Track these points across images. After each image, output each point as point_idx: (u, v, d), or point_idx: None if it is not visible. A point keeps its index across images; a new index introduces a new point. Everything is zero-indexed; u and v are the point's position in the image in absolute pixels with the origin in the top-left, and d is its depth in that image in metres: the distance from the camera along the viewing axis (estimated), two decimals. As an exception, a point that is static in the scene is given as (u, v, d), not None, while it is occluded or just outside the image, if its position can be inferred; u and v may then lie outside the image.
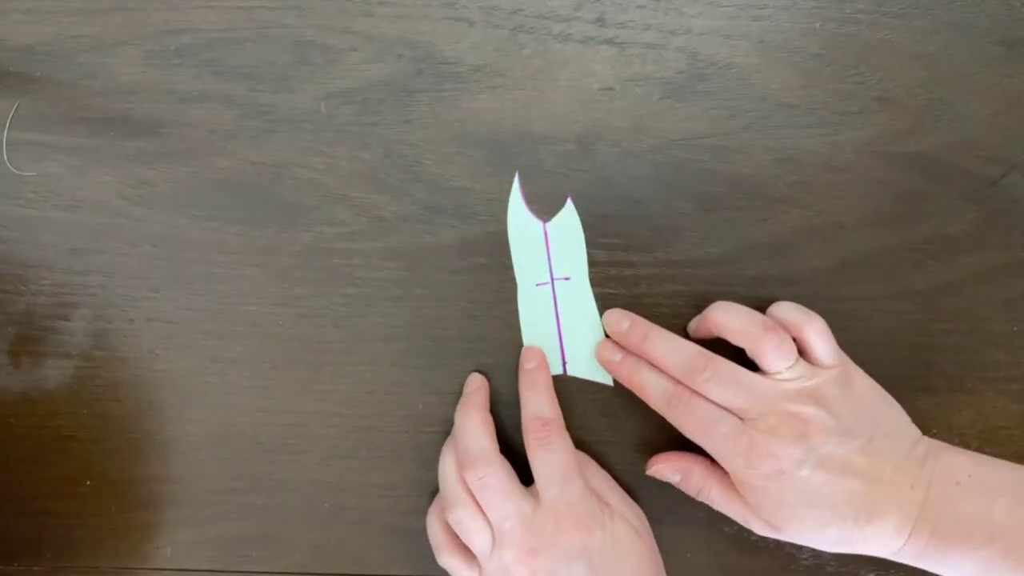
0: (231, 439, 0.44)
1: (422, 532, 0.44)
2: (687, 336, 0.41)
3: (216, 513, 0.45)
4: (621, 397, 0.43)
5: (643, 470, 0.42)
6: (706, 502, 0.41)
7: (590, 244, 0.42)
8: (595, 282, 0.42)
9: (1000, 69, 0.41)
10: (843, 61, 0.41)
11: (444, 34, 0.41)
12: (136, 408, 0.44)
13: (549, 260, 0.41)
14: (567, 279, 0.41)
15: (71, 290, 0.43)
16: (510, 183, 0.42)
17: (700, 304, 0.42)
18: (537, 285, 0.42)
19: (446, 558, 0.41)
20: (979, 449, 0.43)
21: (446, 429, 0.43)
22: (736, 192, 0.42)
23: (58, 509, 0.45)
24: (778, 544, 0.44)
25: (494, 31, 0.41)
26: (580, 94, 0.41)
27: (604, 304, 0.42)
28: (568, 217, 0.41)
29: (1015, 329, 0.42)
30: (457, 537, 0.40)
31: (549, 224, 0.41)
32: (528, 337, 0.42)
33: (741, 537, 0.43)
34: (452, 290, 0.43)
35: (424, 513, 0.44)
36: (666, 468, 0.41)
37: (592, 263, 0.42)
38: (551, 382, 0.42)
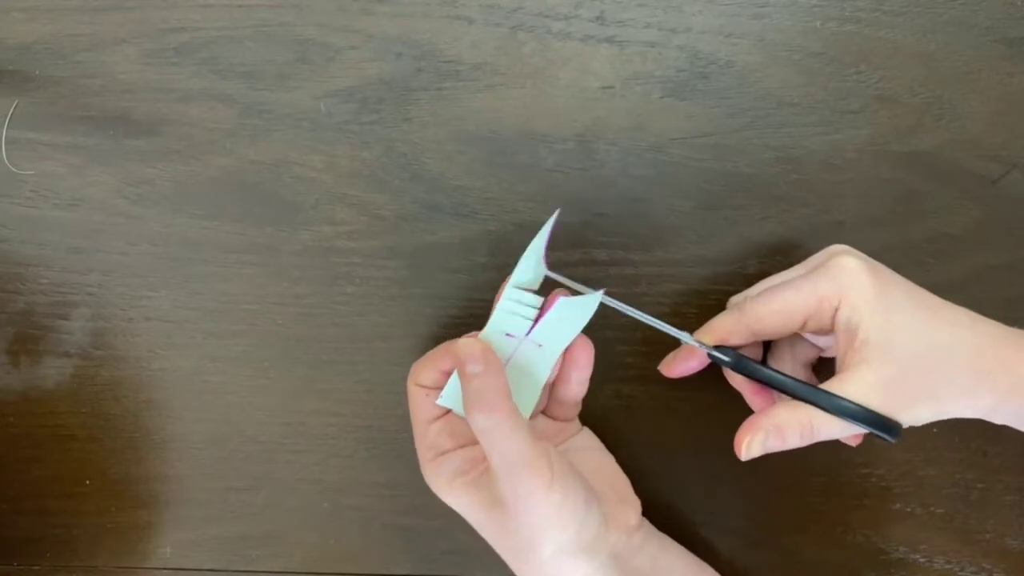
0: (230, 438, 0.44)
1: (422, 531, 0.44)
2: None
3: (215, 512, 0.45)
4: (617, 399, 0.43)
5: (641, 471, 0.42)
6: (813, 434, 0.36)
7: (590, 243, 0.42)
8: (595, 282, 0.42)
9: (1001, 68, 0.41)
10: (843, 59, 0.41)
11: (444, 32, 0.41)
12: (135, 407, 0.44)
13: (535, 322, 0.38)
14: (539, 346, 0.38)
15: (70, 289, 0.43)
16: (510, 182, 0.42)
17: (700, 303, 0.42)
18: (506, 335, 0.38)
19: None
20: (979, 449, 0.43)
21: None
22: (736, 191, 0.42)
23: (57, 508, 0.45)
24: (780, 542, 0.44)
25: (494, 29, 0.41)
26: (580, 92, 0.41)
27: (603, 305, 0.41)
28: (584, 306, 0.37)
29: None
30: None
31: (563, 300, 0.37)
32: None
33: (743, 535, 0.43)
34: (452, 289, 0.43)
35: (424, 513, 0.44)
36: (756, 437, 0.36)
37: (592, 262, 0.42)
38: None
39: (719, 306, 0.42)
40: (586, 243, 0.42)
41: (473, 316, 0.42)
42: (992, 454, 0.43)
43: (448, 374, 0.38)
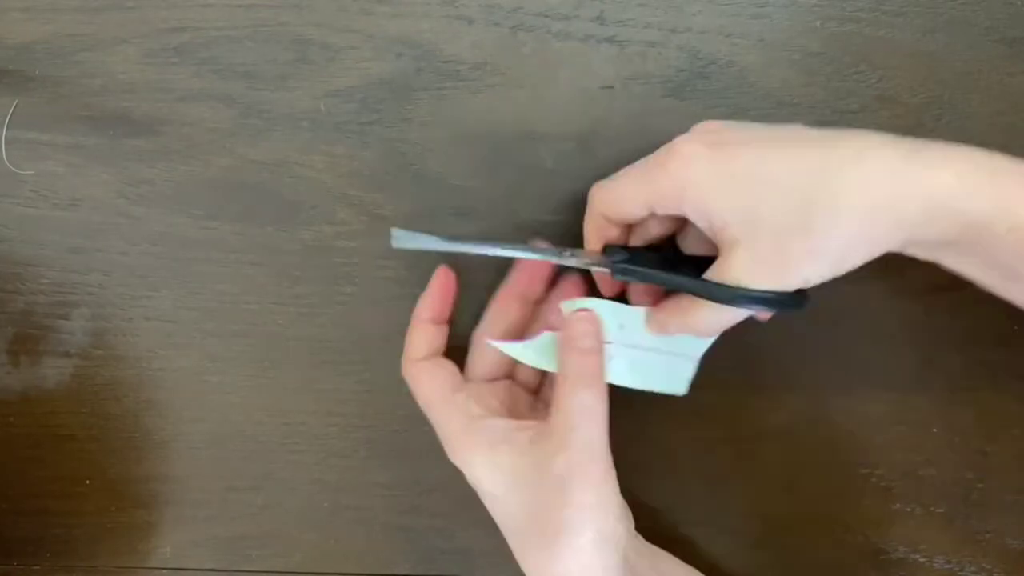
0: (230, 438, 0.44)
1: (422, 531, 0.44)
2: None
3: (215, 512, 0.45)
4: (617, 399, 0.43)
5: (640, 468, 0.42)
6: (706, 331, 0.36)
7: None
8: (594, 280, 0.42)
9: (1001, 67, 0.41)
10: (843, 59, 0.41)
11: (444, 32, 0.41)
12: (135, 407, 0.44)
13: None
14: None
15: (70, 289, 0.43)
16: (510, 181, 0.42)
17: (700, 303, 0.42)
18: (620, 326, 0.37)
19: None
20: (979, 449, 0.43)
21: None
22: (736, 191, 0.42)
23: (57, 508, 0.45)
24: (780, 542, 0.44)
25: (494, 29, 0.41)
26: (580, 93, 0.41)
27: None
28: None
29: (1015, 328, 0.42)
30: None
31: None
32: None
33: (743, 535, 0.43)
34: (452, 289, 0.43)
35: (424, 513, 0.44)
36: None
37: (592, 262, 0.42)
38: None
39: (719, 306, 0.42)
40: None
41: (474, 316, 0.42)
42: (992, 454, 0.43)
43: (432, 321, 0.39)
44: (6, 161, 0.42)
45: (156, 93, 0.41)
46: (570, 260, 0.36)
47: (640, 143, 0.41)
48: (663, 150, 0.35)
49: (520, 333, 0.40)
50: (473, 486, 0.37)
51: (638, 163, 0.36)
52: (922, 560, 0.44)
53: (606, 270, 0.36)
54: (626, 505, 0.37)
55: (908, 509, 0.44)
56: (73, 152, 0.42)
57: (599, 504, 0.35)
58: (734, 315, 0.34)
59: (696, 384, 0.41)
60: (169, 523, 0.45)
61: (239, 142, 0.42)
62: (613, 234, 0.37)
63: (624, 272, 0.36)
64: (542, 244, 0.38)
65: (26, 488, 0.45)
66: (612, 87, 0.41)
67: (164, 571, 0.45)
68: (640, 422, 0.43)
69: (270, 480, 0.44)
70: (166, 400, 0.44)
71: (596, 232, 0.37)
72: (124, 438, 0.44)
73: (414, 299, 0.43)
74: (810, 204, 0.31)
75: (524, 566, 0.37)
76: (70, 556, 0.45)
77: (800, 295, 0.33)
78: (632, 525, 0.38)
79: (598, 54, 0.41)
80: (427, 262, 0.42)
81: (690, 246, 0.38)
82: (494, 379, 0.40)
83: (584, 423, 0.35)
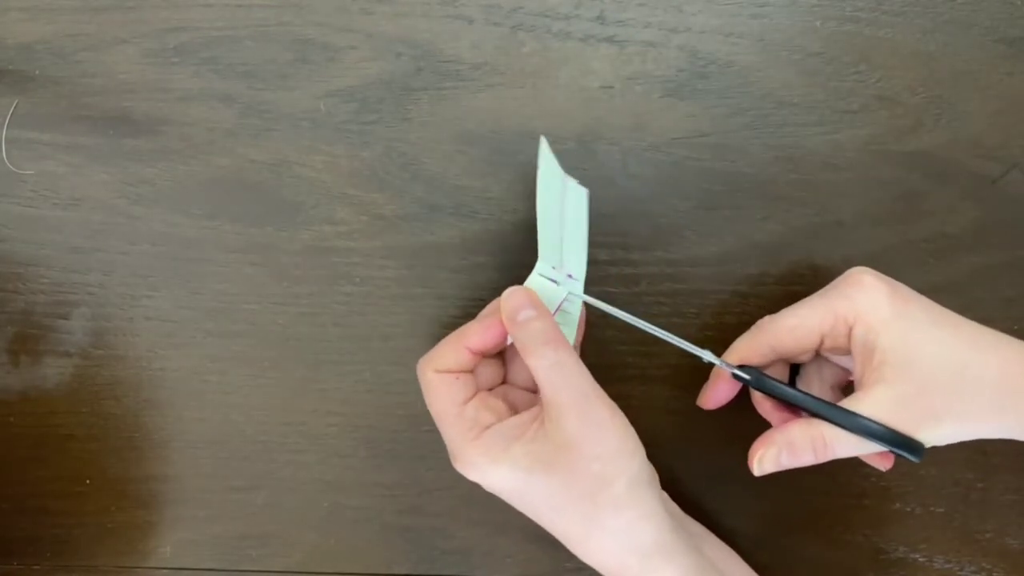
0: (230, 438, 0.44)
1: (422, 531, 0.44)
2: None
3: (215, 512, 0.45)
4: (617, 399, 0.43)
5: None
6: (826, 450, 0.36)
7: (590, 243, 0.42)
8: (595, 281, 0.42)
9: (1001, 67, 0.41)
10: (843, 59, 0.41)
11: (444, 32, 0.41)
12: (135, 407, 0.44)
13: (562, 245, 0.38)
14: (570, 277, 0.39)
15: (70, 289, 0.43)
16: (510, 182, 0.42)
17: (700, 303, 0.42)
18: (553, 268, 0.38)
19: None
20: (980, 448, 0.43)
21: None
22: (736, 191, 0.42)
23: (57, 508, 0.45)
24: (780, 542, 0.44)
25: (494, 29, 0.41)
26: (580, 92, 0.41)
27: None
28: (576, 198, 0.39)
29: (1015, 328, 0.42)
30: None
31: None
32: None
33: (743, 535, 0.43)
34: (452, 289, 0.43)
35: (424, 513, 0.44)
36: (768, 452, 0.37)
37: (592, 262, 0.42)
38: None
39: (719, 306, 0.42)
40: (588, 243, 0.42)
41: (473, 316, 0.42)
42: (992, 454, 0.43)
43: (476, 352, 0.37)
44: (6, 161, 0.42)
45: (156, 93, 0.42)
46: (713, 359, 0.38)
47: (640, 143, 0.42)
48: (840, 279, 0.37)
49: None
50: (492, 491, 0.36)
51: (811, 296, 0.38)
52: (922, 560, 0.44)
53: (746, 376, 0.37)
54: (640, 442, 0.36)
55: (908, 509, 0.44)
56: (73, 152, 0.42)
57: (619, 445, 0.35)
58: (854, 445, 0.35)
59: (697, 386, 0.41)
60: (169, 523, 0.45)
61: (239, 142, 0.42)
62: (760, 364, 0.38)
63: (762, 383, 0.37)
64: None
65: (26, 487, 0.45)
66: (612, 87, 0.41)
67: (164, 571, 0.45)
68: (638, 423, 0.43)
69: (270, 480, 0.44)
70: (166, 400, 0.44)
71: (748, 355, 0.38)
72: (124, 438, 0.44)
73: (414, 299, 0.43)
74: (963, 370, 0.35)
75: (576, 547, 0.36)
76: (70, 556, 0.45)
77: (917, 445, 0.35)
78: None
79: (598, 54, 0.41)
80: (427, 262, 0.42)
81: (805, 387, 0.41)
82: (492, 387, 0.40)
83: (562, 376, 0.35)
